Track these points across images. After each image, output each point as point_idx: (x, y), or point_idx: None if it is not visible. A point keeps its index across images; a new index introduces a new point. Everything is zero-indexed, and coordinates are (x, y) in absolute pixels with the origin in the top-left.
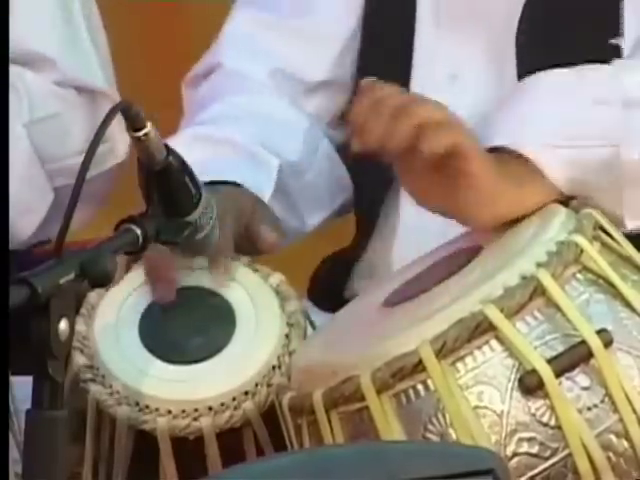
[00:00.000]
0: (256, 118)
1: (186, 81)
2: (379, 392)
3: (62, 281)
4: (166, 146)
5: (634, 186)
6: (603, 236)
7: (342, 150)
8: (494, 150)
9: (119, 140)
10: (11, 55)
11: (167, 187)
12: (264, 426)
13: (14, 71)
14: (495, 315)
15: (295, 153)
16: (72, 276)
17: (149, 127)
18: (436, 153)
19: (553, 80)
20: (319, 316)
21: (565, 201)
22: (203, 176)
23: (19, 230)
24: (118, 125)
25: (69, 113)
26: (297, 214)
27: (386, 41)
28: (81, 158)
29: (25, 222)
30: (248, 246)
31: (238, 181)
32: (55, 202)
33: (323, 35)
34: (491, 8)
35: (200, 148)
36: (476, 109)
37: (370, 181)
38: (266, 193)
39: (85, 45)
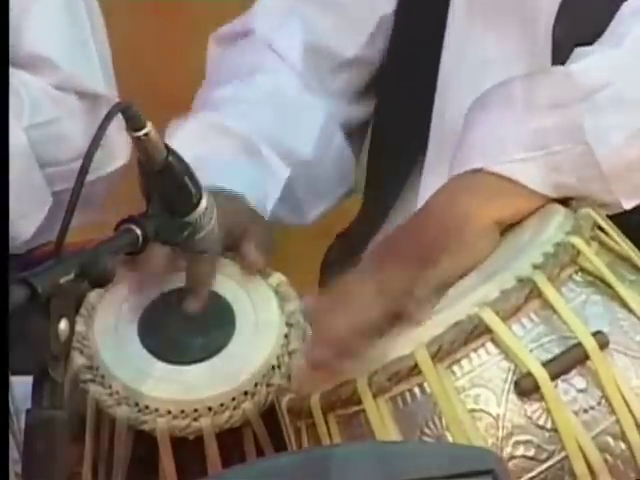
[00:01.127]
0: (275, 107)
1: (215, 38)
2: (375, 395)
3: (62, 281)
4: (166, 146)
5: (617, 177)
6: (601, 236)
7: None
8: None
9: (118, 143)
10: (13, 58)
11: (167, 187)
12: (264, 426)
13: (16, 74)
14: (491, 318)
15: (308, 150)
16: (72, 276)
17: (149, 127)
18: None
19: (505, 94)
20: None
21: (564, 201)
22: (206, 174)
23: (16, 234)
24: (117, 128)
25: (70, 117)
26: (299, 211)
27: (418, 24)
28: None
29: (22, 226)
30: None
31: (240, 192)
32: (54, 207)
33: (359, 12)
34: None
35: (211, 139)
36: None
37: (389, 168)
38: (268, 206)
39: (89, 49)
